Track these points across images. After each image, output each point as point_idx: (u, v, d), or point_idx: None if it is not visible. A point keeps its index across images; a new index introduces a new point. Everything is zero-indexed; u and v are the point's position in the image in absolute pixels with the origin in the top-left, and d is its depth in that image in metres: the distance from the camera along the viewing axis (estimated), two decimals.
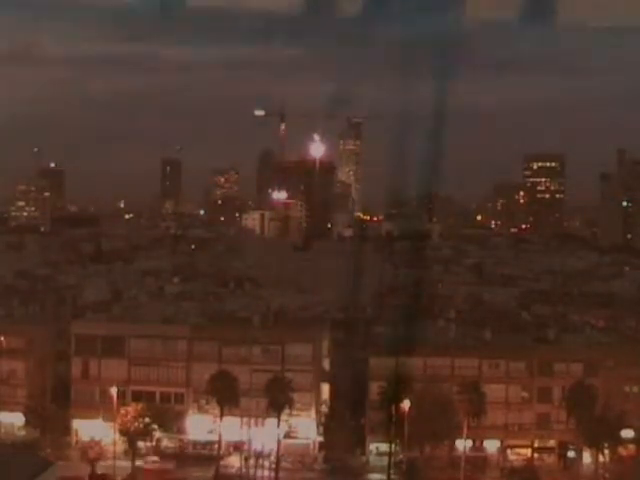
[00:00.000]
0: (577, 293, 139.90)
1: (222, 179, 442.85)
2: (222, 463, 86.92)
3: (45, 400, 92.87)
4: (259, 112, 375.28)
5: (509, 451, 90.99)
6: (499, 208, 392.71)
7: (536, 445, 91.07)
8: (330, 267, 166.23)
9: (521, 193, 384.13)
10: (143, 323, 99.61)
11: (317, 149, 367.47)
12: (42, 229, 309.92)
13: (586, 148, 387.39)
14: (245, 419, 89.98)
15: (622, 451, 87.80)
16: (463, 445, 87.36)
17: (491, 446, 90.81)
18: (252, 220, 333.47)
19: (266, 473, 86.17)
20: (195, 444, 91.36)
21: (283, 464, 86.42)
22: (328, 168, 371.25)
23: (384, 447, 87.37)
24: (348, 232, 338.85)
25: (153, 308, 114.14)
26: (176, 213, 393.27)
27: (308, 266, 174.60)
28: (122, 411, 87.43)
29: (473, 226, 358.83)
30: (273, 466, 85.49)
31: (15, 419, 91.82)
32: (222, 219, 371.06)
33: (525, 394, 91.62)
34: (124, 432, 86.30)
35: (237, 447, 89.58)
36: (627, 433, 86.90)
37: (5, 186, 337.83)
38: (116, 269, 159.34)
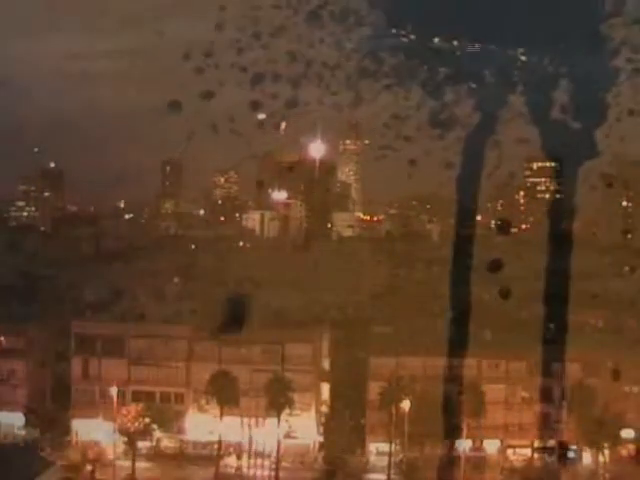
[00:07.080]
0: (577, 293, 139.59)
1: (222, 179, 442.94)
2: (222, 463, 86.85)
3: (45, 400, 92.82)
4: (261, 116, 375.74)
5: (509, 451, 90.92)
6: (499, 208, 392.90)
7: (536, 445, 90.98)
8: (330, 267, 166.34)
9: (521, 193, 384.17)
10: (143, 323, 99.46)
11: (317, 149, 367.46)
12: (42, 229, 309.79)
13: None
14: (245, 419, 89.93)
15: (622, 451, 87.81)
16: (463, 445, 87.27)
17: (491, 446, 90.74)
18: (252, 220, 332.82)
19: (266, 473, 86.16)
20: (195, 444, 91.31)
21: (283, 464, 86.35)
22: (328, 168, 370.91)
23: (384, 447, 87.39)
24: (348, 232, 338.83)
25: (153, 308, 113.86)
26: (176, 213, 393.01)
27: (308, 266, 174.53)
28: (122, 411, 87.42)
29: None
30: (273, 466, 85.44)
31: (15, 419, 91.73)
32: (222, 219, 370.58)
33: (525, 394, 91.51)
34: (124, 432, 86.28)
35: (237, 447, 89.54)
36: (627, 433, 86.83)
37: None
38: (116, 269, 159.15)
